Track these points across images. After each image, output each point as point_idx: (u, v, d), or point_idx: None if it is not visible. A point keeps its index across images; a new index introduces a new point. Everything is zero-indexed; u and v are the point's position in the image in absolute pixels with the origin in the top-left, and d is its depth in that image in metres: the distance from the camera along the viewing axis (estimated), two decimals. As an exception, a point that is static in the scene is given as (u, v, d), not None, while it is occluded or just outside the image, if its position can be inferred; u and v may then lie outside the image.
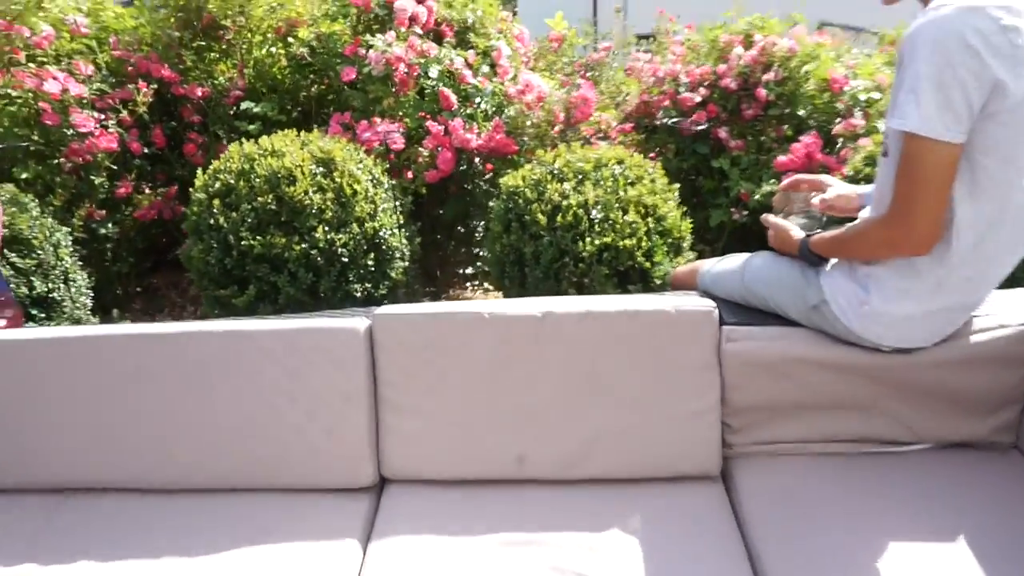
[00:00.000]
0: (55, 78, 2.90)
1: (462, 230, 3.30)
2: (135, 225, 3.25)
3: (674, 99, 3.27)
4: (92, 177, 3.03)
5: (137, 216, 3.21)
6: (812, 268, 1.51)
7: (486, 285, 3.51)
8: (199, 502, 1.59)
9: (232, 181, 2.38)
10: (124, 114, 3.17)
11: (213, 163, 2.48)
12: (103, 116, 3.07)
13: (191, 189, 2.48)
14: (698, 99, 3.20)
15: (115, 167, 3.16)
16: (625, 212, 2.22)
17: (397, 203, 2.61)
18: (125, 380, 1.59)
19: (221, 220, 2.33)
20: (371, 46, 2.97)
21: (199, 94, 3.36)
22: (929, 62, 1.17)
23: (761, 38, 3.21)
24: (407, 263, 2.60)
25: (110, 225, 3.12)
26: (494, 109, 3.05)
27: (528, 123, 2.94)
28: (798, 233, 1.54)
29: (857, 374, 1.50)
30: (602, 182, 2.29)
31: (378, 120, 2.87)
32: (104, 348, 1.60)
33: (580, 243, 2.18)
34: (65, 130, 2.92)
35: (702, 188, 3.26)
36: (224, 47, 3.56)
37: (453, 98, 2.89)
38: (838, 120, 2.98)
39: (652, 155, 3.27)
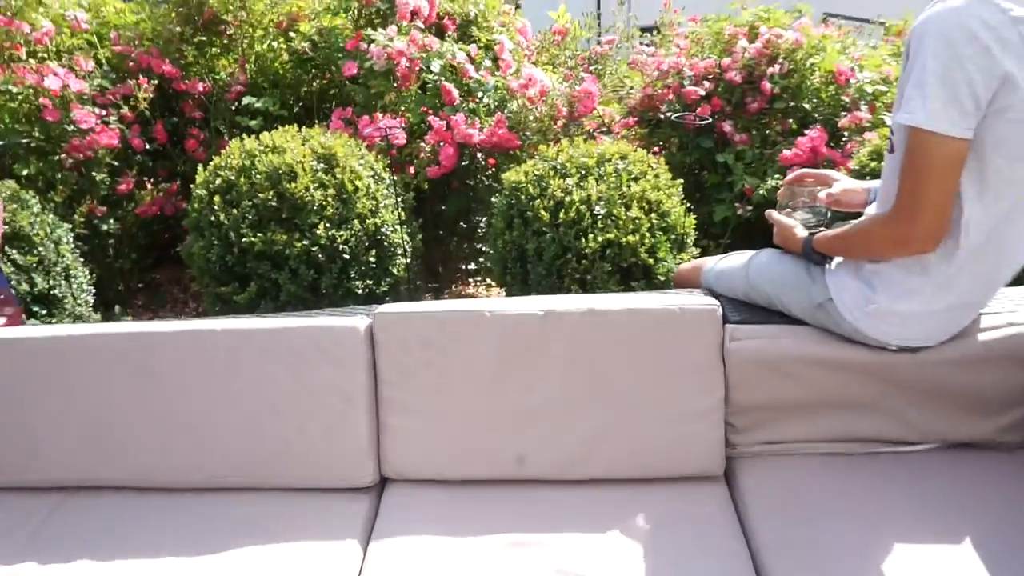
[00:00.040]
0: (56, 74, 2.89)
1: (464, 226, 3.29)
2: (137, 221, 3.25)
3: (678, 93, 3.24)
4: (93, 173, 3.03)
5: (139, 212, 3.21)
6: (817, 266, 1.49)
7: (489, 281, 3.49)
8: (198, 501, 1.58)
9: (233, 177, 2.37)
10: (125, 110, 3.17)
11: (214, 159, 2.48)
12: (104, 112, 3.07)
13: (192, 185, 2.47)
14: (702, 92, 3.17)
15: (116, 163, 3.15)
16: (628, 208, 2.20)
17: (399, 199, 2.60)
18: (124, 379, 1.59)
19: (222, 217, 2.32)
20: (373, 40, 2.95)
21: (200, 89, 3.35)
22: (936, 56, 1.15)
23: (766, 30, 3.17)
24: (409, 260, 2.59)
25: (112, 221, 3.11)
26: (496, 104, 3.03)
27: (531, 118, 2.92)
28: (802, 232, 1.52)
29: (863, 373, 1.48)
30: (605, 178, 2.27)
31: (380, 115, 2.86)
32: (103, 347, 1.59)
33: (583, 239, 2.16)
34: (66, 126, 2.91)
35: (706, 183, 3.23)
36: (225, 42, 3.55)
37: (455, 93, 2.88)
38: (844, 113, 2.95)
39: (656, 149, 3.25)
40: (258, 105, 3.32)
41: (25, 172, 2.88)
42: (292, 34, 3.51)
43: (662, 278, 2.20)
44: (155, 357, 1.58)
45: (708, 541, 1.38)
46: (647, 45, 4.17)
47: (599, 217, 2.18)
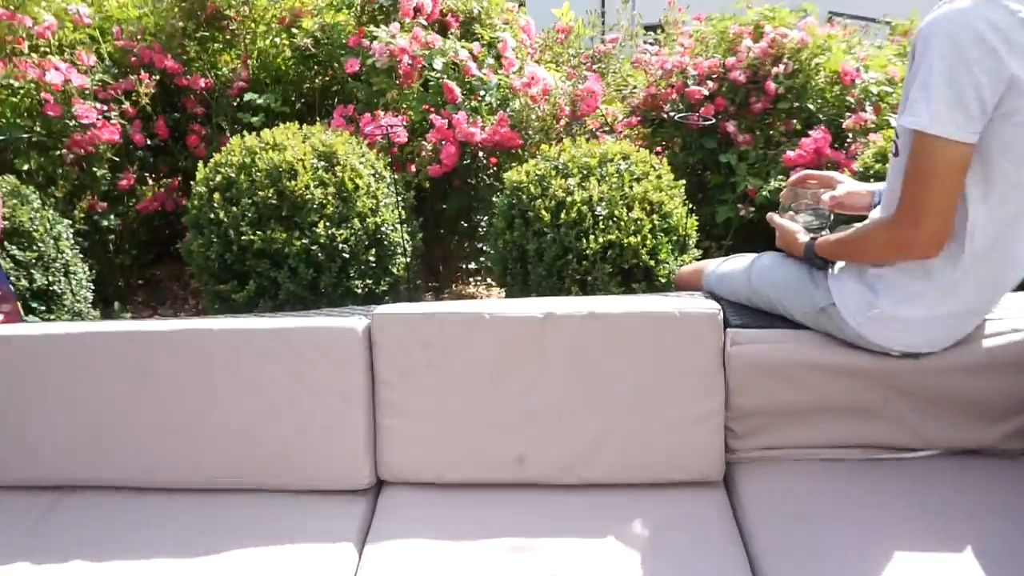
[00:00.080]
0: (57, 68, 2.88)
1: (465, 225, 3.28)
2: (138, 217, 3.24)
3: (682, 92, 3.22)
4: (94, 169, 3.02)
5: (140, 208, 3.20)
6: (819, 270, 1.48)
7: (489, 281, 3.48)
8: (195, 502, 1.57)
9: (233, 175, 2.36)
10: (127, 105, 3.15)
11: (214, 156, 2.46)
12: (105, 107, 3.06)
13: (192, 182, 2.46)
14: (706, 92, 3.16)
15: (117, 159, 3.14)
16: (630, 209, 2.19)
17: (399, 198, 2.59)
18: (121, 378, 1.58)
19: (221, 214, 2.31)
20: (375, 37, 2.94)
21: (202, 85, 3.34)
22: (942, 58, 1.13)
23: (771, 29, 3.15)
24: (409, 259, 2.58)
25: (112, 217, 3.10)
26: (499, 102, 3.01)
27: (533, 116, 2.91)
28: (804, 236, 1.51)
29: (865, 379, 1.47)
30: (607, 178, 2.25)
31: (381, 113, 2.84)
32: (102, 345, 1.58)
33: (584, 240, 2.14)
34: (67, 121, 2.90)
35: (709, 183, 3.22)
36: (228, 37, 3.54)
37: (457, 91, 2.86)
38: (848, 114, 2.93)
39: (659, 149, 3.23)
40: (260, 101, 3.31)
41: (26, 167, 2.88)
42: (295, 30, 3.50)
43: (663, 280, 2.18)
44: (153, 357, 1.57)
45: (707, 546, 1.37)
46: (651, 44, 4.15)
47: (600, 218, 2.16)
